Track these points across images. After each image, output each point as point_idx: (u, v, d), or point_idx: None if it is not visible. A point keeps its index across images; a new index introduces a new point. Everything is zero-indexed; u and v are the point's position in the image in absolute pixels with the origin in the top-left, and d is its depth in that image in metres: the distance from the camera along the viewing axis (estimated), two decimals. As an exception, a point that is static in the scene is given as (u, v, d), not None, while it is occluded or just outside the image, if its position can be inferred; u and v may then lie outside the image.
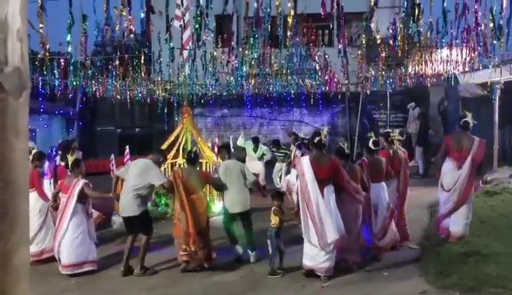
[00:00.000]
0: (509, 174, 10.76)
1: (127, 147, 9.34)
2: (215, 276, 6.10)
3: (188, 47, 7.88)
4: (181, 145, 9.84)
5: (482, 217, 7.61)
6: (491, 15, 7.27)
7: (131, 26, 6.24)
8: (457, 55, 11.63)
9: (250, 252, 6.55)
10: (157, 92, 15.74)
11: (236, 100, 17.40)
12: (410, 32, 9.35)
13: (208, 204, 7.98)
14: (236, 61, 11.71)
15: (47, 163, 7.70)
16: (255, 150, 11.87)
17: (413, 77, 14.60)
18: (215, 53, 12.00)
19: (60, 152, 8.12)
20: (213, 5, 6.41)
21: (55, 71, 12.76)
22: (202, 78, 13.66)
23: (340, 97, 16.51)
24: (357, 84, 15.78)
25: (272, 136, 17.04)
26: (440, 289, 5.24)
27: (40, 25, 5.61)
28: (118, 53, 12.93)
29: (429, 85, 14.85)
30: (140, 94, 16.42)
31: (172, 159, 9.54)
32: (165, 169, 9.07)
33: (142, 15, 7.32)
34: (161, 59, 11.01)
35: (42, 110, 16.14)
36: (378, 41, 8.02)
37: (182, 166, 8.88)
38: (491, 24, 7.35)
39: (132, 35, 6.91)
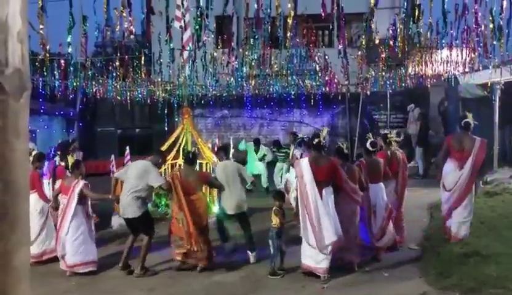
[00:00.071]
0: (510, 174, 10.74)
1: (127, 148, 9.34)
2: (215, 276, 6.10)
3: (188, 48, 7.88)
4: (182, 146, 9.84)
5: (482, 218, 7.60)
6: (491, 16, 7.27)
7: (131, 27, 6.25)
8: (457, 56, 11.63)
9: (249, 253, 6.55)
10: (158, 93, 15.74)
11: (236, 101, 17.39)
12: (410, 33, 9.35)
13: (208, 204, 8.00)
14: (236, 62, 11.71)
15: (46, 163, 7.71)
16: (256, 152, 11.88)
17: (413, 78, 14.60)
18: (215, 53, 11.99)
19: (59, 152, 8.13)
20: (213, 6, 6.41)
21: (55, 72, 12.74)
22: (202, 79, 13.65)
23: (340, 98, 16.50)
24: (357, 85, 15.77)
25: (273, 136, 17.03)
26: (440, 290, 5.24)
27: (41, 26, 5.62)
28: (118, 54, 12.93)
29: (429, 85, 14.84)
30: (140, 95, 16.41)
31: (172, 160, 9.53)
32: (165, 170, 9.07)
33: (142, 16, 7.33)
34: (161, 60, 11.00)
35: (42, 111, 16.14)
36: (377, 42, 8.01)
37: (181, 166, 8.89)
38: (491, 25, 7.36)
39: (132, 36, 6.92)
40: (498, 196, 9.25)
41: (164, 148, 8.66)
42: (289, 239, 6.44)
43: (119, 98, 16.02)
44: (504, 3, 6.83)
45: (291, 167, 8.85)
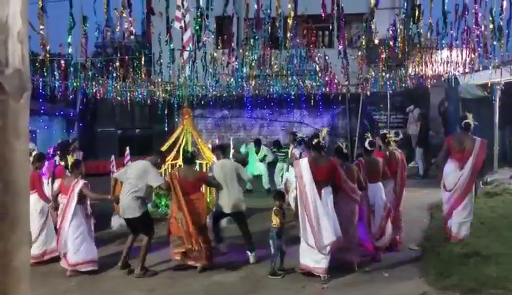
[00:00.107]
0: (510, 175, 10.74)
1: (128, 148, 9.34)
2: (215, 276, 6.10)
3: (188, 48, 7.88)
4: (182, 147, 9.84)
5: (483, 218, 7.60)
6: (491, 16, 7.27)
7: (131, 28, 6.25)
8: (457, 56, 11.64)
9: (249, 254, 6.55)
10: (158, 93, 15.74)
11: (236, 101, 17.40)
12: (410, 33, 9.35)
13: (208, 205, 8.00)
14: (236, 63, 11.70)
15: (45, 163, 7.72)
16: (257, 152, 11.89)
17: (413, 78, 14.60)
18: (215, 54, 12.00)
19: (58, 152, 8.14)
20: (213, 7, 6.42)
21: (55, 72, 12.76)
22: (202, 80, 13.65)
23: (340, 98, 16.50)
24: (357, 85, 15.78)
25: (273, 137, 17.03)
26: (440, 290, 5.24)
27: (41, 26, 5.62)
28: (118, 55, 12.94)
29: (429, 86, 14.85)
30: (140, 96, 16.42)
31: (172, 160, 9.54)
32: (165, 170, 9.07)
33: (143, 16, 7.33)
34: (161, 61, 11.02)
35: (42, 111, 16.14)
36: (376, 42, 8.02)
37: (180, 167, 8.90)
38: (491, 26, 7.36)
39: (132, 37, 6.92)
40: (498, 197, 9.25)
41: (164, 148, 8.67)
42: (289, 239, 6.45)
43: (119, 98, 16.03)
44: (504, 3, 6.84)
45: (290, 166, 8.86)
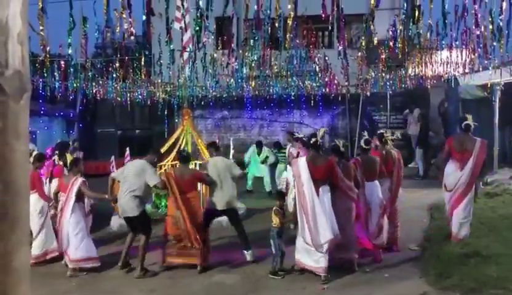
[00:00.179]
0: (510, 175, 10.75)
1: (127, 148, 9.36)
2: (215, 276, 6.11)
3: (188, 49, 7.89)
4: (182, 147, 9.84)
5: (483, 219, 7.61)
6: (490, 17, 7.28)
7: (131, 28, 6.26)
8: (457, 57, 11.64)
9: (245, 252, 6.57)
10: (158, 94, 15.75)
11: (236, 102, 17.41)
12: (410, 34, 9.35)
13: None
14: (236, 63, 11.71)
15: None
16: (259, 154, 11.87)
17: (413, 79, 14.60)
18: (215, 55, 12.01)
19: (57, 152, 8.17)
20: (213, 7, 6.43)
21: (55, 73, 12.77)
22: (202, 80, 13.65)
23: (340, 99, 16.51)
24: (357, 86, 15.78)
25: (273, 137, 17.04)
26: (440, 290, 5.24)
27: (41, 27, 5.63)
28: (118, 55, 12.95)
29: (429, 86, 14.85)
30: (140, 96, 16.43)
31: (172, 160, 9.54)
32: (166, 170, 9.07)
33: (144, 18, 7.34)
34: (161, 61, 11.02)
35: (42, 112, 16.15)
36: (375, 42, 8.03)
37: (175, 166, 8.92)
38: (490, 26, 7.37)
39: (132, 37, 6.93)
40: (498, 197, 9.26)
41: (164, 149, 8.68)
42: (289, 239, 6.45)
43: (119, 99, 16.03)
44: (504, 4, 6.84)
45: (288, 166, 8.86)
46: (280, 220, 6.01)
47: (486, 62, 10.25)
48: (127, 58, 12.91)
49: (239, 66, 12.28)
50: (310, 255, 5.80)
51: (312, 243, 5.70)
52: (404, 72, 14.27)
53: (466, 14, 7.77)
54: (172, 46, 7.31)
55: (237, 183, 6.84)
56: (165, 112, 16.36)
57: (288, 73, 14.06)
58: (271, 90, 16.23)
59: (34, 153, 7.00)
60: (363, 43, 9.59)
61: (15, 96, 1.37)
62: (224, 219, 7.44)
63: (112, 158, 8.95)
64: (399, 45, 9.63)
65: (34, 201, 6.46)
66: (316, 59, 12.32)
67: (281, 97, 16.88)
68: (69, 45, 7.05)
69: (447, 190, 6.80)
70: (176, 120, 17.21)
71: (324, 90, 16.02)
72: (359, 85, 15.67)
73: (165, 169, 9.06)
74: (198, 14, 6.36)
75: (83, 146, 14.85)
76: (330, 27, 6.90)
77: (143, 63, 12.94)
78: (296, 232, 6.06)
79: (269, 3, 6.94)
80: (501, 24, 7.15)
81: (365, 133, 6.96)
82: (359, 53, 11.93)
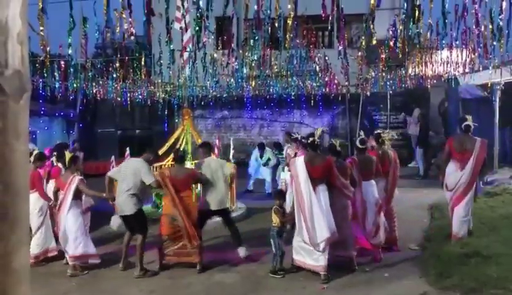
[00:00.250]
0: (510, 175, 10.75)
1: (128, 148, 9.35)
2: (215, 276, 6.11)
3: (188, 49, 7.90)
4: (182, 147, 9.84)
5: (483, 218, 7.60)
6: (490, 17, 7.28)
7: (131, 29, 6.26)
8: (457, 56, 11.65)
9: (238, 250, 6.61)
10: (158, 94, 15.76)
11: (236, 102, 17.42)
12: (410, 33, 9.35)
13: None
14: (236, 63, 11.72)
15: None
16: (261, 156, 11.86)
17: (413, 79, 14.61)
18: (215, 55, 12.01)
19: (55, 154, 8.19)
20: (213, 7, 6.43)
21: (55, 73, 12.77)
22: (202, 80, 13.66)
23: (340, 98, 16.52)
24: (357, 85, 15.79)
25: (273, 137, 17.06)
26: (440, 290, 5.24)
27: (41, 27, 5.63)
28: (118, 55, 12.95)
29: (429, 86, 14.86)
30: (140, 96, 16.43)
31: (172, 161, 9.54)
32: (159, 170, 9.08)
33: (144, 18, 7.34)
34: (161, 61, 11.02)
35: (42, 112, 16.16)
36: (374, 42, 8.04)
37: (171, 165, 8.94)
38: (490, 26, 7.37)
39: (132, 37, 6.93)
40: (498, 197, 9.26)
41: (163, 149, 8.68)
42: (289, 239, 6.44)
43: (119, 99, 16.05)
44: (504, 4, 6.84)
45: (286, 167, 8.85)
46: (280, 219, 6.03)
47: (486, 61, 10.26)
48: (127, 58, 12.91)
49: (239, 66, 12.29)
50: (309, 254, 5.82)
51: (310, 242, 5.73)
52: (404, 71, 14.28)
53: (466, 14, 7.77)
54: (172, 46, 7.31)
55: (237, 183, 6.87)
56: (165, 112, 16.37)
57: (288, 73, 14.07)
58: (271, 90, 16.24)
59: (35, 152, 7.01)
60: (363, 43, 9.60)
61: (14, 96, 1.37)
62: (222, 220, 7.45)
63: (113, 158, 8.95)
64: (399, 45, 9.63)
65: (34, 201, 6.49)
66: (316, 59, 12.32)
67: (281, 97, 16.89)
68: (69, 45, 7.05)
69: (448, 189, 6.82)
70: (176, 120, 17.22)
71: (324, 90, 16.03)
72: (359, 85, 15.68)
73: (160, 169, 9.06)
74: (198, 14, 6.36)
75: (83, 146, 14.85)
76: (330, 27, 6.89)
77: (143, 63, 12.94)
78: (293, 233, 6.07)
79: (269, 3, 6.94)
80: (501, 23, 7.15)
81: (362, 133, 6.98)
82: (359, 53, 11.94)
